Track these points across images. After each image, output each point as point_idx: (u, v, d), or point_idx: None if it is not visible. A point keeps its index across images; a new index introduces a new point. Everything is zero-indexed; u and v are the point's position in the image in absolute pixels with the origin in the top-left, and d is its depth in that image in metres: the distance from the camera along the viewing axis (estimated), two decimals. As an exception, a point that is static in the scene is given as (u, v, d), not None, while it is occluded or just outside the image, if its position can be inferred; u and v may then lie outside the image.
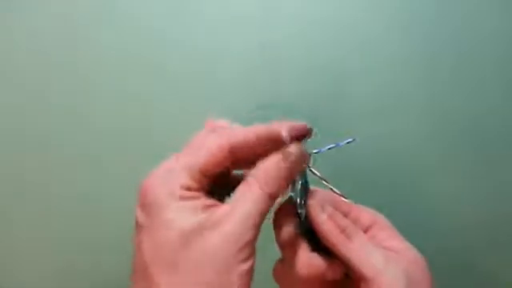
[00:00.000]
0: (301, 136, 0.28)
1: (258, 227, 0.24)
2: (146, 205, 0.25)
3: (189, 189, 0.25)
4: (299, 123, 0.28)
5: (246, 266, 0.23)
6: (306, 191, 0.29)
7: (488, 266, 0.57)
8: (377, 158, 0.56)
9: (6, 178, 0.55)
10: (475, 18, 0.57)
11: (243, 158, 0.26)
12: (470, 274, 0.56)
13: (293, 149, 0.27)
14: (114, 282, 0.56)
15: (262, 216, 0.25)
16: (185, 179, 0.25)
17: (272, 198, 0.25)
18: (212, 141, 0.26)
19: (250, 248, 0.24)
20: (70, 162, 0.55)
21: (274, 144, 0.27)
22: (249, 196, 0.25)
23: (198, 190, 0.25)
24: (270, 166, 0.26)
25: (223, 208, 0.25)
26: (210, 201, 0.25)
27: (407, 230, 0.31)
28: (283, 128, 0.27)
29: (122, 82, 0.55)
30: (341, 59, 0.56)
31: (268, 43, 0.56)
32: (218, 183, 0.27)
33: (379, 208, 0.32)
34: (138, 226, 0.25)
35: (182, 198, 0.24)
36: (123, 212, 0.56)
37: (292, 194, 0.29)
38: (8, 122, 0.55)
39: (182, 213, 0.24)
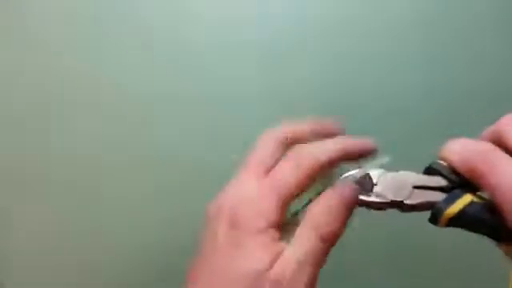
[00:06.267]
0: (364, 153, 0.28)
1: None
2: (234, 223, 0.25)
3: (272, 223, 0.25)
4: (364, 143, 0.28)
5: None
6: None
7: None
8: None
9: (6, 178, 0.55)
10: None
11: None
12: None
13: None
14: (114, 280, 0.56)
15: (320, 263, 0.25)
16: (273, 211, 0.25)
17: (326, 241, 0.25)
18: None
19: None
20: (71, 162, 0.55)
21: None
22: (305, 248, 0.24)
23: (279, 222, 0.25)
24: (322, 209, 0.25)
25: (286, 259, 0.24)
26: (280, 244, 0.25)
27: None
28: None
29: (124, 80, 0.55)
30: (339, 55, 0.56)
31: (269, 41, 0.56)
32: None
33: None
34: (213, 233, 0.25)
35: (263, 232, 0.24)
36: (125, 211, 0.56)
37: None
38: (9, 121, 0.55)
39: (259, 250, 0.24)
